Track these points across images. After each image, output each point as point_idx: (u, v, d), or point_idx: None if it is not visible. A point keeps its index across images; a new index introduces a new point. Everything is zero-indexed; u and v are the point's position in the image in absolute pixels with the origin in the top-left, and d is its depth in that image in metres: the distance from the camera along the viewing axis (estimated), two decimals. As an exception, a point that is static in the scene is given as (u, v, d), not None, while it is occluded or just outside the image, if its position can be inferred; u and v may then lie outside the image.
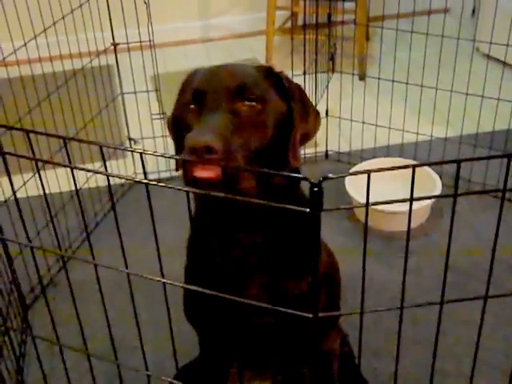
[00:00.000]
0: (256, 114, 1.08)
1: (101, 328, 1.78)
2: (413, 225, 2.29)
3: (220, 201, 1.10)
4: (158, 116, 2.55)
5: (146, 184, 0.84)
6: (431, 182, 2.32)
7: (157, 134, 2.59)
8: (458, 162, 0.73)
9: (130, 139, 2.66)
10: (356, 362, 1.69)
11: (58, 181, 2.20)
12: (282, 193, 1.14)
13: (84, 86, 2.32)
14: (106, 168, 0.89)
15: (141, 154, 0.86)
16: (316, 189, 0.60)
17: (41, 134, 0.92)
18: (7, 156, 0.94)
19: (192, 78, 1.18)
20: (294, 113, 1.15)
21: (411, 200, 0.76)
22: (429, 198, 0.82)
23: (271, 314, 1.17)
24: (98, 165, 2.49)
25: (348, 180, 2.38)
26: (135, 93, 2.47)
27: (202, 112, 1.07)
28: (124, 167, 2.62)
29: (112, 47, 2.40)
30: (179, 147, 1.20)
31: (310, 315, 0.66)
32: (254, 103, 1.08)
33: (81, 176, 2.22)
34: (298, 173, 1.21)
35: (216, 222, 1.17)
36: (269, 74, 1.17)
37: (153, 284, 0.95)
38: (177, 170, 1.17)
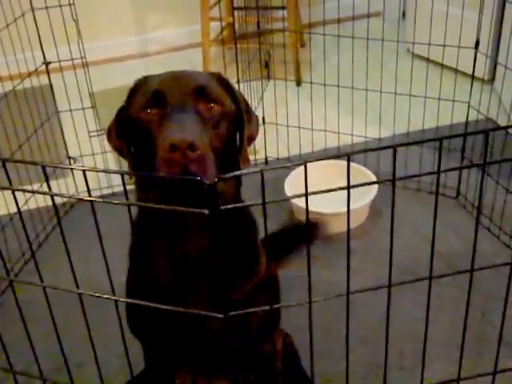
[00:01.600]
0: (217, 115, 1.13)
1: (45, 348, 1.78)
2: (353, 225, 2.34)
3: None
4: (96, 133, 2.55)
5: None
6: (367, 179, 2.37)
7: (96, 150, 2.59)
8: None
9: (69, 158, 2.64)
10: (301, 363, 1.72)
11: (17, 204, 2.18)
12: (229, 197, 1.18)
13: (17, 107, 2.30)
14: (49, 187, 0.90)
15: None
16: (210, 188, 0.62)
17: None
18: None
19: (143, 83, 1.20)
20: (243, 115, 1.22)
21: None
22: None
23: (216, 319, 1.20)
24: (36, 186, 2.46)
25: (287, 183, 2.42)
26: (71, 111, 2.47)
27: (167, 113, 1.09)
28: (65, 186, 2.61)
29: (43, 66, 2.39)
30: (131, 153, 1.21)
31: (221, 315, 0.68)
32: (214, 105, 1.13)
33: (20, 198, 2.19)
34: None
35: (163, 229, 1.18)
36: (219, 79, 1.22)
37: (95, 301, 0.95)
38: (130, 177, 1.17)
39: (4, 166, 0.89)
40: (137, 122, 1.14)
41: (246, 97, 2.46)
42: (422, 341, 1.02)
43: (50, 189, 0.89)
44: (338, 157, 0.80)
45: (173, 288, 1.20)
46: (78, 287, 0.93)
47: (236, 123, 1.20)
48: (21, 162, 0.93)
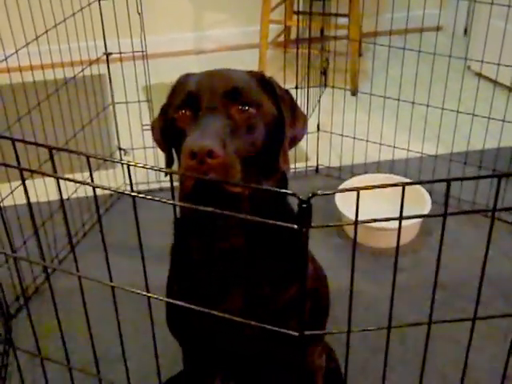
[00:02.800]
0: (251, 118, 1.09)
1: (85, 340, 1.77)
2: (402, 242, 2.29)
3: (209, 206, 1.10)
4: (149, 127, 2.53)
5: (133, 196, 0.83)
6: (421, 199, 2.32)
7: (147, 144, 2.58)
8: (448, 181, 0.72)
9: (120, 149, 2.64)
10: (342, 379, 1.68)
11: (46, 190, 2.19)
12: (270, 200, 1.15)
13: (75, 95, 2.31)
14: (92, 178, 0.88)
15: (128, 165, 0.84)
16: (305, 205, 0.59)
17: (26, 142, 0.91)
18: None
19: (183, 81, 1.18)
20: (285, 117, 1.16)
21: (400, 219, 0.75)
22: (418, 217, 0.81)
23: (253, 327, 1.16)
24: (87, 174, 2.47)
25: (338, 195, 2.38)
26: (127, 103, 2.46)
27: (198, 116, 1.07)
28: (114, 177, 2.61)
29: (104, 57, 2.39)
30: (169, 150, 1.20)
31: (296, 333, 0.64)
32: (248, 108, 1.09)
33: (70, 186, 2.20)
34: (286, 179, 1.22)
35: (201, 229, 1.15)
36: (260, 80, 1.18)
37: (139, 297, 0.93)
38: (166, 174, 1.15)
39: (51, 154, 0.87)
40: (172, 122, 1.12)
41: (301, 103, 2.45)
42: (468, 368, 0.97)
43: (92, 179, 0.86)
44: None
45: (214, 291, 1.18)
46: (111, 280, 0.90)
47: (277, 125, 1.15)
48: (65, 150, 0.91)
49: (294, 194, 0.61)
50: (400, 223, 0.77)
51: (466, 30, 4.06)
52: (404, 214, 0.82)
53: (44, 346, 1.15)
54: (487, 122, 2.37)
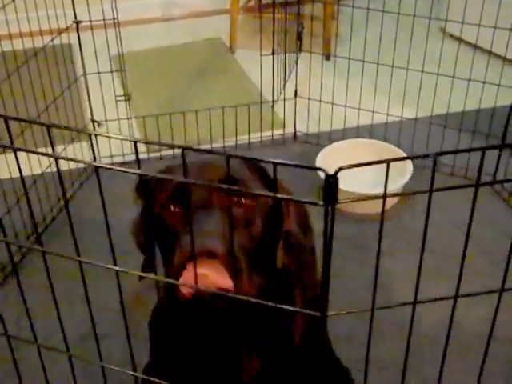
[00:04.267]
0: (248, 210, 1.00)
1: (66, 321, 1.73)
2: (386, 207, 2.27)
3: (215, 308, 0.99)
4: (123, 97, 2.46)
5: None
6: (402, 163, 2.30)
7: (121, 115, 2.50)
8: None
9: (93, 121, 2.56)
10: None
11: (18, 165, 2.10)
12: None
13: (45, 65, 2.21)
14: (53, 150, 0.81)
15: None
16: (331, 180, 0.56)
17: None
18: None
19: (167, 173, 1.08)
20: (282, 207, 1.07)
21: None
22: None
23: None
24: (61, 148, 2.39)
25: (319, 160, 2.35)
26: (99, 73, 2.38)
27: (190, 213, 0.96)
28: (88, 150, 2.53)
29: (73, 25, 2.30)
30: (151, 252, 1.09)
31: (319, 314, 0.61)
32: (244, 200, 1.00)
33: (44, 160, 2.13)
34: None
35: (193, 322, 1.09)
36: (256, 170, 1.09)
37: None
38: (140, 279, 0.97)
39: (7, 125, 0.79)
40: (158, 221, 1.02)
41: (278, 70, 2.39)
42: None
43: (53, 150, 0.79)
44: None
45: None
46: (78, 255, 0.85)
47: (275, 214, 1.05)
48: (24, 121, 0.83)
49: (320, 169, 0.57)
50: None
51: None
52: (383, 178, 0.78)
53: (25, 326, 1.08)
54: (467, 85, 2.35)
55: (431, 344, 1.73)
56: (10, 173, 1.98)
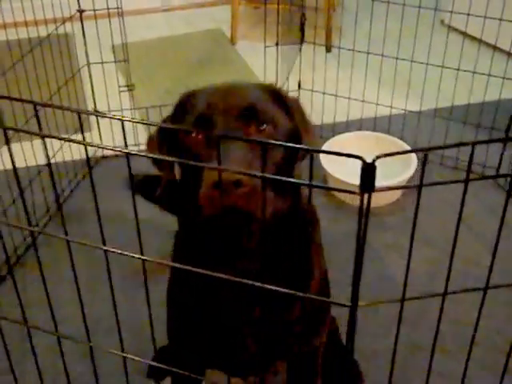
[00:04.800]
0: (270, 136, 1.02)
1: (73, 311, 1.72)
2: (389, 200, 2.27)
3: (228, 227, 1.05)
4: (126, 88, 2.45)
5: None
6: (406, 157, 2.29)
7: (124, 106, 2.49)
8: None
9: (96, 112, 2.55)
10: (342, 342, 1.66)
11: (24, 155, 2.09)
12: (287, 213, 1.08)
13: (49, 54, 2.20)
14: (83, 137, 0.81)
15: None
16: (369, 168, 0.56)
17: (11, 99, 0.83)
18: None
19: (189, 100, 1.09)
20: (300, 129, 1.10)
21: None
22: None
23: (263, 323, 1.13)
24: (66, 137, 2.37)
25: (322, 155, 2.34)
26: (102, 63, 2.36)
27: (212, 141, 0.99)
28: (91, 140, 2.52)
29: (77, 14, 2.28)
30: (170, 170, 1.12)
31: (349, 304, 0.61)
32: (266, 126, 1.03)
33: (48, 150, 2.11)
34: (300, 195, 1.14)
35: (214, 250, 1.09)
36: (273, 93, 1.11)
37: (128, 262, 0.87)
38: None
39: (36, 111, 0.79)
40: (183, 146, 1.04)
41: (281, 61, 2.38)
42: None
43: (84, 138, 0.79)
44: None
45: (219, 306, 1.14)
46: (104, 243, 0.85)
47: (293, 138, 1.08)
48: (55, 106, 0.83)
49: (359, 157, 0.57)
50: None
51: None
52: (390, 172, 0.76)
53: (31, 317, 1.07)
54: (472, 78, 2.35)
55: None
56: (26, 160, 1.99)
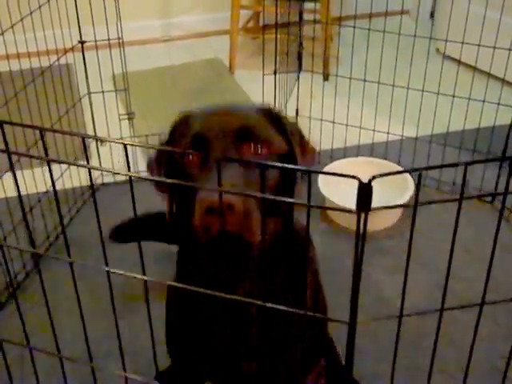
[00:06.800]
0: (264, 158, 1.02)
1: (72, 335, 1.73)
2: (388, 224, 2.29)
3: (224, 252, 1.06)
4: (126, 116, 2.48)
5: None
6: (402, 180, 2.32)
7: (124, 134, 2.52)
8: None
9: (96, 140, 2.58)
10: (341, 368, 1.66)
11: (25, 182, 2.11)
12: (280, 234, 1.10)
13: (51, 84, 2.23)
14: (87, 160, 0.84)
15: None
16: (365, 188, 0.58)
17: (17, 125, 0.85)
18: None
19: (185, 122, 1.10)
20: (296, 153, 1.10)
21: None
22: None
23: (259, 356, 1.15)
24: (64, 166, 2.39)
25: (321, 180, 2.36)
26: (103, 92, 2.40)
27: (208, 162, 1.00)
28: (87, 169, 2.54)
29: (79, 45, 2.32)
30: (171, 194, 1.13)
31: (347, 322, 0.63)
32: (261, 147, 1.03)
33: (47, 179, 2.14)
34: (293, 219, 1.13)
35: (212, 273, 1.11)
36: (269, 115, 1.12)
37: (128, 287, 0.89)
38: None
39: (42, 136, 0.80)
40: (177, 167, 1.05)
41: (279, 89, 2.42)
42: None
43: (88, 161, 0.82)
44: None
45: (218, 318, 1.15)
46: (107, 264, 0.86)
47: (289, 160, 1.08)
48: (62, 132, 0.85)
49: (354, 177, 0.59)
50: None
51: (432, 14, 4.09)
52: (386, 197, 0.78)
53: (33, 343, 1.08)
54: (467, 104, 2.38)
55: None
56: (26, 188, 2.04)
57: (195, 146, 1.03)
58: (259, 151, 1.03)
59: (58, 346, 1.00)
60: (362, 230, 0.61)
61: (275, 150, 1.06)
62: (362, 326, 0.69)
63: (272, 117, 1.12)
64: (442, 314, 0.72)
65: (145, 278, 0.85)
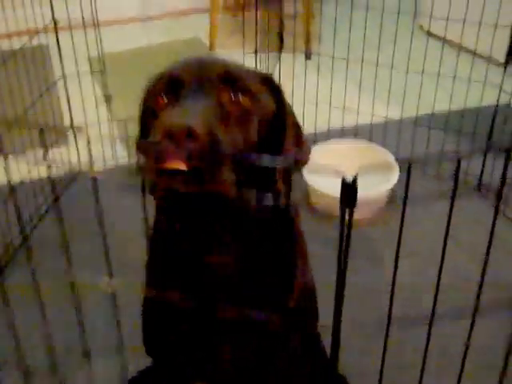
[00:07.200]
0: (243, 110, 0.92)
1: (41, 341, 1.66)
2: (372, 212, 2.24)
3: (192, 206, 0.94)
4: (103, 99, 2.41)
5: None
6: (388, 165, 2.27)
7: (102, 119, 2.44)
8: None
9: (72, 125, 2.50)
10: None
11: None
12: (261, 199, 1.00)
13: (23, 67, 2.15)
14: (45, 156, 0.77)
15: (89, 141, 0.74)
16: (350, 184, 0.54)
17: None
18: None
19: (164, 70, 1.01)
20: (286, 134, 1.01)
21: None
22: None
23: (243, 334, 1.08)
24: (40, 154, 2.31)
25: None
26: (78, 75, 2.31)
27: (179, 100, 0.91)
28: (67, 156, 2.46)
29: (51, 25, 2.22)
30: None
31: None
32: (242, 96, 0.93)
33: (20, 168, 2.07)
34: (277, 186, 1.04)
35: (181, 238, 1.01)
36: (266, 79, 1.02)
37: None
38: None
39: None
40: (149, 110, 0.99)
41: (259, 67, 2.36)
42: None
43: (45, 157, 0.75)
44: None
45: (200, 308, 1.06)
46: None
47: (274, 131, 0.99)
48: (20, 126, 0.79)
49: (340, 173, 0.54)
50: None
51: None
52: (371, 181, 0.73)
53: None
54: (452, 84, 2.34)
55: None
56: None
57: (170, 88, 0.94)
58: (240, 100, 0.93)
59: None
60: (346, 231, 0.57)
61: (258, 106, 0.95)
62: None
63: (269, 83, 1.02)
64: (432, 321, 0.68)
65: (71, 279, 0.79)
